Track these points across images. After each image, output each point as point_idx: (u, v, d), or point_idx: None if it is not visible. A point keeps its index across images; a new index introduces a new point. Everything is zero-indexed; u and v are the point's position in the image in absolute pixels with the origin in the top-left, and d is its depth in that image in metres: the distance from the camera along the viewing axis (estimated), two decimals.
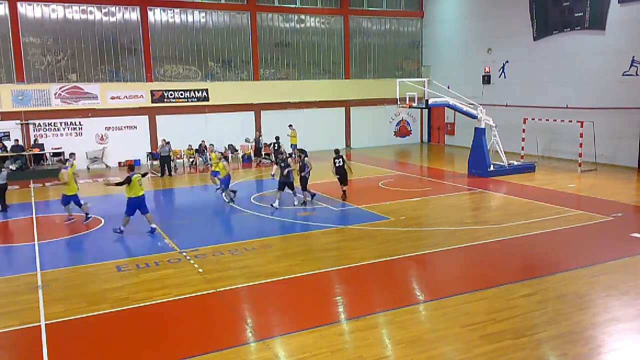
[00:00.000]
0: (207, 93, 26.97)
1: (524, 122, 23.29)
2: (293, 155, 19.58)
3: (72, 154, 17.76)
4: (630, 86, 21.17)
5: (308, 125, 28.83)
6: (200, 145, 25.40)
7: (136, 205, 13.19)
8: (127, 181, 12.92)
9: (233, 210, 15.47)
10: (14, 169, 22.40)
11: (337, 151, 17.27)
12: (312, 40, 29.79)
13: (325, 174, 21.93)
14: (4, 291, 9.70)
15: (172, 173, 22.90)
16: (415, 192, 17.92)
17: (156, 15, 26.14)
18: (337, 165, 16.82)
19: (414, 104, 20.52)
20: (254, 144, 26.43)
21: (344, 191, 17.13)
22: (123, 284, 9.86)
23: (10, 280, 10.32)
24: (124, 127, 25.74)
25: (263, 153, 26.00)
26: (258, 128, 28.01)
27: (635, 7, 20.80)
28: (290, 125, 25.96)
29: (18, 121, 23.64)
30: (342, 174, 16.91)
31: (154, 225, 13.41)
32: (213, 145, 24.96)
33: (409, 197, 17.07)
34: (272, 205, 15.66)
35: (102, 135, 25.34)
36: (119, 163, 25.53)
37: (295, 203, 15.90)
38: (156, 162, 24.16)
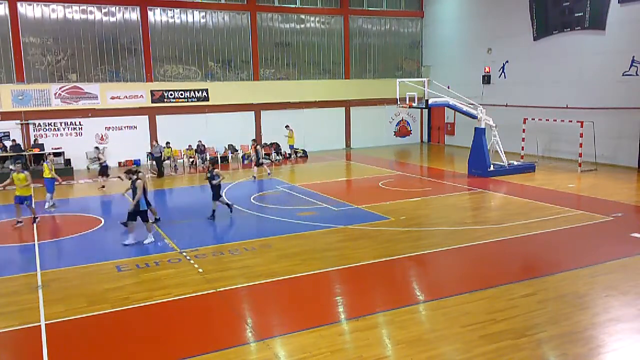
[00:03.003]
0: (207, 93, 26.96)
1: (524, 122, 23.30)
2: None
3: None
4: (630, 86, 21.17)
5: (308, 126, 28.90)
6: (198, 145, 25.42)
7: None
8: None
9: (233, 211, 15.44)
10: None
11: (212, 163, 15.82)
12: (312, 40, 29.77)
13: (324, 174, 21.97)
14: (4, 291, 9.70)
15: (170, 173, 22.79)
16: (415, 192, 17.91)
17: (156, 15, 26.13)
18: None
19: (414, 104, 20.51)
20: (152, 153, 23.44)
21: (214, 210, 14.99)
22: (123, 284, 9.86)
23: (10, 280, 10.31)
24: (124, 127, 25.74)
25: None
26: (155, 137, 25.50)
27: (635, 7, 20.80)
28: (287, 126, 25.92)
29: (18, 121, 23.64)
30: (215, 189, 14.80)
31: None
32: (52, 157, 17.76)
33: (409, 197, 17.07)
34: (124, 243, 12.39)
35: (102, 135, 25.33)
36: (119, 163, 25.55)
37: (127, 242, 12.42)
38: (153, 163, 24.17)
